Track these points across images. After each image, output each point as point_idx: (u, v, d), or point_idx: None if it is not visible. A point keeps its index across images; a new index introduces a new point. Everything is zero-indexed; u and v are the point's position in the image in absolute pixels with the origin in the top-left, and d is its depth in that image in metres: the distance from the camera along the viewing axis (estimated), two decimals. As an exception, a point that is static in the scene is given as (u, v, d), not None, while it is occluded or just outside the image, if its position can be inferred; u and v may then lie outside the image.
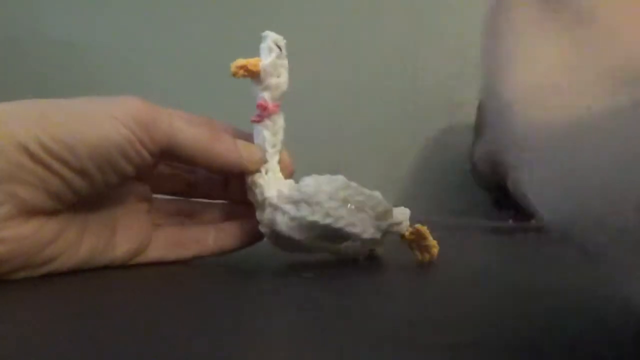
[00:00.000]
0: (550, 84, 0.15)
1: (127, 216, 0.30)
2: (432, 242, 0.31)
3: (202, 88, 0.74)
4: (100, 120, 0.25)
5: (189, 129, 0.28)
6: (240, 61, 0.29)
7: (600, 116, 0.13)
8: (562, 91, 0.15)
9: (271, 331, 0.18)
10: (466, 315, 0.20)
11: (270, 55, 0.30)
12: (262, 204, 0.30)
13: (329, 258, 0.31)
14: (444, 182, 0.81)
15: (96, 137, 0.25)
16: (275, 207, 0.29)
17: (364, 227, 0.30)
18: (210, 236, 0.32)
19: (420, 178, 0.82)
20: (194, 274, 0.30)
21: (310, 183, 0.29)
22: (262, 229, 0.30)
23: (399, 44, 0.81)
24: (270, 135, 0.30)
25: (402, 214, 0.32)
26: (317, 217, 0.28)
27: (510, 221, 0.63)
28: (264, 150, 0.30)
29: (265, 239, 0.31)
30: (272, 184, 0.30)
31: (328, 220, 0.29)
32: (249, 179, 0.30)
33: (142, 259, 0.30)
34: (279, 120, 0.31)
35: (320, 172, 0.31)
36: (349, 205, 0.29)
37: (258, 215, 0.30)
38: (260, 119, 0.30)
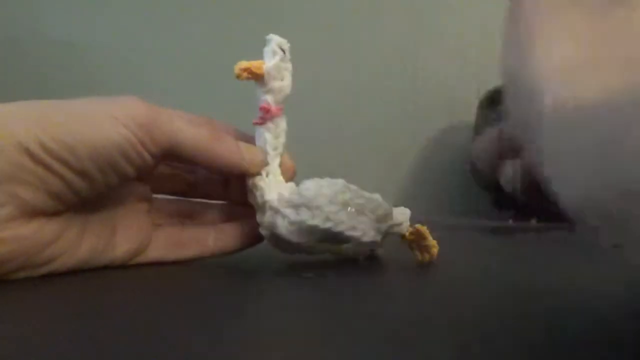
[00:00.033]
0: (584, 61, 0.15)
1: (127, 216, 0.30)
2: (432, 242, 0.31)
3: (202, 88, 0.74)
4: (101, 121, 0.25)
5: (189, 129, 0.28)
6: (244, 63, 0.29)
7: (634, 95, 0.13)
8: (596, 69, 0.14)
9: (271, 331, 0.18)
10: (466, 316, 0.20)
11: (274, 58, 0.30)
12: (263, 207, 0.30)
13: (328, 258, 0.31)
14: (444, 182, 0.81)
15: (97, 138, 0.25)
16: (276, 211, 0.29)
17: (364, 230, 0.30)
18: (210, 237, 0.32)
19: (420, 178, 0.82)
20: (194, 274, 0.30)
21: (311, 187, 0.29)
22: (263, 231, 0.30)
23: (399, 44, 0.81)
24: (272, 138, 0.30)
25: (402, 215, 0.32)
26: (317, 221, 0.29)
27: (510, 221, 0.63)
28: (266, 153, 0.30)
29: (265, 240, 0.31)
30: (272, 187, 0.30)
31: (328, 224, 0.29)
32: (250, 181, 0.30)
33: (142, 259, 0.30)
34: (282, 123, 0.31)
35: (320, 172, 0.31)
36: (349, 208, 0.29)
37: (258, 217, 0.30)
38: (262, 122, 0.30)
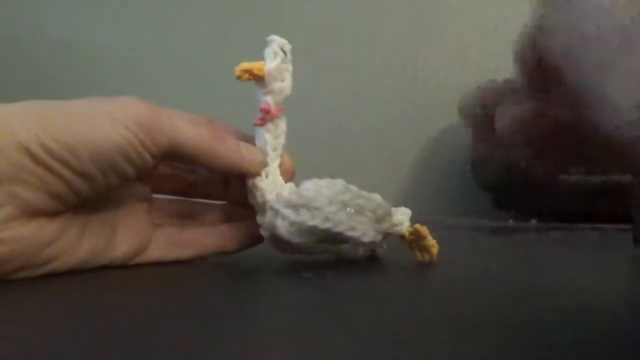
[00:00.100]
0: None
1: (127, 216, 0.30)
2: (431, 242, 0.31)
3: (202, 88, 0.74)
4: (101, 121, 0.25)
5: (190, 130, 0.28)
6: (245, 65, 0.29)
7: None
8: None
9: (271, 331, 0.18)
10: (466, 316, 0.20)
11: (276, 59, 0.30)
12: (263, 208, 0.30)
13: (328, 258, 0.31)
14: (444, 182, 0.81)
15: (97, 138, 0.25)
16: (276, 211, 0.29)
17: (363, 231, 0.30)
18: (210, 237, 0.32)
19: (420, 178, 0.82)
20: (194, 274, 0.30)
21: (310, 187, 0.29)
22: (263, 232, 0.30)
23: (399, 44, 0.81)
24: (272, 139, 0.30)
25: (402, 215, 0.32)
26: (316, 221, 0.29)
27: (510, 221, 0.63)
28: (266, 154, 0.30)
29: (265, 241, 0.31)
30: (272, 188, 0.30)
31: (327, 225, 0.29)
32: (250, 182, 0.30)
33: (142, 259, 0.30)
34: (282, 124, 0.31)
35: (320, 172, 0.31)
36: (348, 209, 0.29)
37: (258, 218, 0.30)
38: (262, 123, 0.30)
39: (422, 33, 0.82)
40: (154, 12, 0.79)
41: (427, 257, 0.31)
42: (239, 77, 0.29)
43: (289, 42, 0.31)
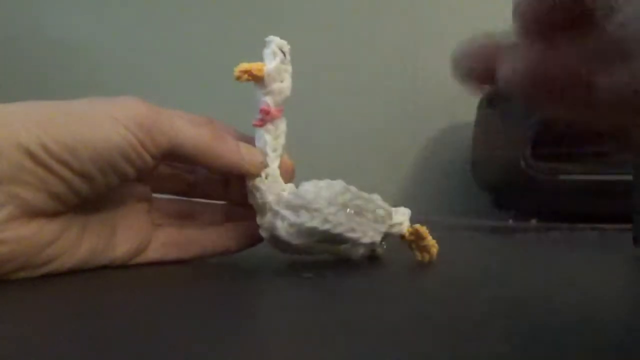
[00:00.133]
0: None
1: (127, 216, 0.30)
2: (431, 242, 0.31)
3: (202, 88, 0.74)
4: (102, 122, 0.25)
5: (190, 130, 0.28)
6: (244, 65, 0.29)
7: None
8: None
9: (271, 331, 0.18)
10: (466, 316, 0.20)
11: (275, 60, 0.30)
12: (263, 209, 0.30)
13: (328, 258, 0.31)
14: (444, 182, 0.81)
15: (98, 139, 0.25)
16: (275, 212, 0.29)
17: (363, 232, 0.30)
18: (210, 237, 0.32)
19: (420, 178, 0.82)
20: (194, 274, 0.30)
21: (310, 189, 0.29)
22: (262, 232, 0.30)
23: (399, 44, 0.81)
24: (272, 140, 0.30)
25: (402, 215, 0.32)
26: (316, 223, 0.29)
27: (510, 221, 0.63)
28: (265, 154, 0.30)
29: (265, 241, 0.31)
30: (272, 189, 0.30)
31: (327, 226, 0.29)
32: (250, 183, 0.30)
33: (142, 259, 0.30)
34: (281, 125, 0.31)
35: (320, 173, 0.31)
36: (347, 210, 0.30)
37: (258, 219, 0.30)
38: (262, 124, 0.30)
39: (422, 33, 0.82)
40: (154, 12, 0.79)
41: (427, 257, 0.31)
42: (238, 78, 0.29)
43: (289, 42, 0.31)
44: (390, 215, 0.31)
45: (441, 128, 0.82)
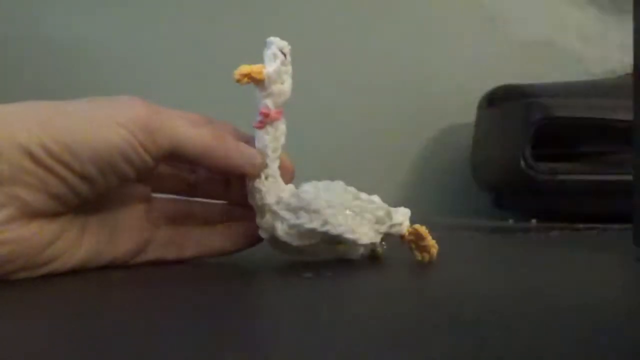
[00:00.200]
0: None
1: (126, 216, 0.30)
2: (431, 242, 0.31)
3: (202, 88, 0.74)
4: (102, 123, 0.25)
5: (190, 131, 0.27)
6: (244, 68, 0.29)
7: None
8: None
9: (271, 331, 0.18)
10: (466, 316, 0.20)
11: (275, 62, 0.29)
12: (262, 210, 0.30)
13: (328, 258, 0.31)
14: (444, 182, 0.81)
15: (98, 140, 0.25)
16: (275, 214, 0.29)
17: (363, 233, 0.30)
18: (210, 237, 0.32)
19: (420, 178, 0.82)
20: (194, 274, 0.30)
21: (309, 190, 0.29)
22: (262, 233, 0.30)
23: (399, 44, 0.81)
24: (272, 141, 0.30)
25: (402, 215, 0.32)
26: (315, 224, 0.29)
27: (511, 221, 0.63)
28: (265, 155, 0.30)
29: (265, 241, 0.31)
30: (272, 190, 0.30)
31: (326, 228, 0.29)
32: (250, 184, 0.30)
33: (142, 258, 0.30)
34: (281, 126, 0.31)
35: (320, 173, 0.31)
36: (347, 211, 0.30)
37: (258, 220, 0.30)
38: (262, 126, 0.30)
39: (423, 34, 0.82)
40: (154, 12, 0.79)
41: (427, 257, 0.31)
42: (238, 81, 0.29)
43: (290, 43, 0.30)
44: (390, 215, 0.31)
45: (441, 128, 0.82)
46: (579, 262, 0.34)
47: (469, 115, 0.73)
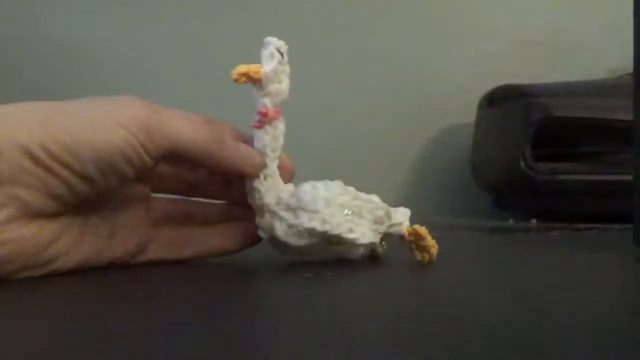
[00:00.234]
0: None
1: (126, 216, 0.30)
2: (431, 242, 0.31)
3: (202, 88, 0.74)
4: (103, 123, 0.25)
5: (190, 131, 0.27)
6: (242, 68, 0.29)
7: None
8: None
9: (271, 331, 0.18)
10: (466, 316, 0.20)
11: (272, 61, 0.30)
12: (261, 209, 0.30)
13: (328, 258, 0.31)
14: (444, 182, 0.81)
15: (98, 140, 0.25)
16: (274, 214, 0.29)
17: (362, 232, 0.30)
18: (209, 237, 0.32)
19: (421, 178, 0.82)
20: (194, 274, 0.30)
21: (308, 190, 0.29)
22: (261, 233, 0.30)
23: (399, 45, 0.81)
24: (271, 140, 0.30)
25: (402, 215, 0.32)
26: (314, 224, 0.29)
27: (511, 221, 0.63)
28: (264, 155, 0.30)
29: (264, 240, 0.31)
30: (271, 190, 0.30)
31: (325, 227, 0.29)
32: (249, 184, 0.30)
33: (141, 258, 0.30)
34: (280, 126, 0.31)
35: (320, 173, 0.31)
36: (346, 211, 0.30)
37: (257, 219, 0.30)
38: (260, 125, 0.30)
39: (423, 34, 0.82)
40: (154, 12, 0.79)
41: (427, 257, 0.31)
42: (236, 81, 0.29)
43: (287, 42, 0.30)
44: (389, 215, 0.31)
45: (441, 128, 0.82)
46: (579, 262, 0.34)
47: (469, 115, 0.73)
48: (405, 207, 0.32)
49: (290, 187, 0.31)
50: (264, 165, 0.30)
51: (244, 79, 0.29)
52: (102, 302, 0.23)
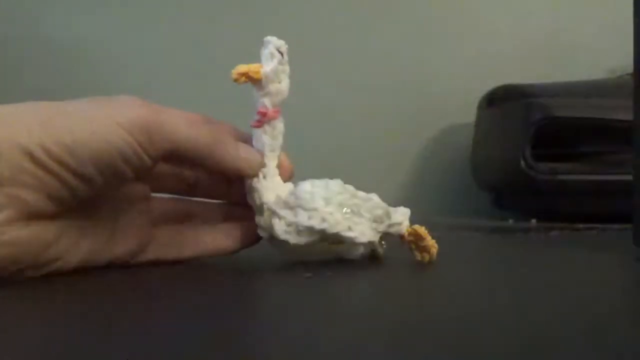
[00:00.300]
0: None
1: (126, 216, 0.30)
2: (430, 242, 0.31)
3: (202, 88, 0.74)
4: (102, 124, 0.25)
5: (189, 132, 0.27)
6: (242, 67, 0.29)
7: None
8: None
9: (271, 331, 0.18)
10: (466, 316, 0.20)
11: (272, 61, 0.30)
12: (261, 209, 0.30)
13: (328, 258, 0.31)
14: (444, 182, 0.81)
15: (98, 141, 0.25)
16: (273, 212, 0.29)
17: (361, 231, 0.30)
18: (209, 237, 0.32)
19: (421, 178, 0.82)
20: (193, 274, 0.30)
21: (307, 188, 0.30)
22: (261, 232, 0.30)
23: (399, 45, 0.81)
24: (270, 140, 0.30)
25: (402, 215, 0.32)
26: (313, 222, 0.29)
27: (511, 221, 0.63)
28: (263, 155, 0.30)
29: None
30: (270, 189, 0.30)
31: (324, 225, 0.29)
32: (248, 183, 0.30)
33: (141, 258, 0.30)
34: (279, 125, 0.31)
35: (320, 174, 0.31)
36: (345, 209, 0.30)
37: (257, 219, 0.30)
38: (260, 125, 0.30)
39: (423, 34, 0.82)
40: (154, 12, 0.79)
41: (426, 257, 0.31)
42: (235, 80, 0.29)
43: (288, 42, 0.30)
44: (388, 214, 0.31)
45: (441, 128, 0.82)
46: (579, 262, 0.34)
47: (469, 115, 0.73)
48: (405, 207, 0.32)
49: (289, 186, 0.31)
50: (263, 165, 0.30)
51: (243, 78, 0.29)
52: (102, 302, 0.23)
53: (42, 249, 0.26)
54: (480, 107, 0.72)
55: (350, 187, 0.31)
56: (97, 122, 0.25)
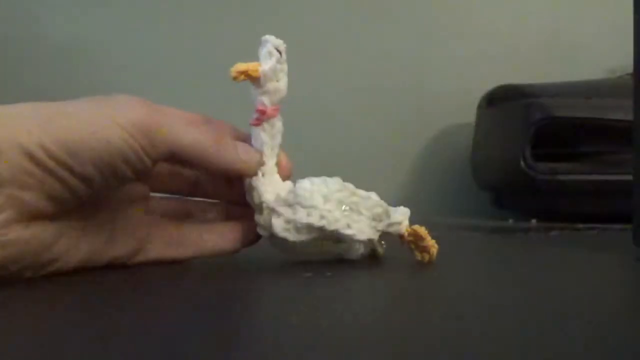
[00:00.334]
0: None
1: (125, 216, 0.30)
2: (430, 242, 0.31)
3: (202, 88, 0.74)
4: (103, 124, 0.25)
5: (189, 133, 0.27)
6: (241, 66, 0.29)
7: None
8: None
9: (270, 331, 0.18)
10: (466, 316, 0.20)
11: (271, 60, 0.30)
12: (260, 207, 0.30)
13: (328, 258, 0.31)
14: (444, 182, 0.81)
15: (98, 141, 0.25)
16: (272, 210, 0.29)
17: (359, 229, 0.30)
18: (209, 236, 0.32)
19: (421, 178, 0.82)
20: (193, 274, 0.30)
21: (306, 186, 0.30)
22: (260, 231, 0.30)
23: (400, 45, 0.81)
24: (269, 139, 0.30)
25: (402, 214, 0.32)
26: (312, 219, 0.29)
27: (511, 221, 0.63)
28: (262, 153, 0.30)
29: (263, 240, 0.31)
30: (269, 187, 0.30)
31: (323, 223, 0.29)
32: (247, 182, 0.30)
33: (141, 258, 0.30)
34: (278, 124, 0.31)
35: (320, 174, 0.31)
36: (343, 207, 0.30)
37: (256, 217, 0.30)
38: (258, 123, 0.30)
39: (424, 34, 0.82)
40: (154, 12, 0.79)
41: (426, 257, 0.31)
42: (234, 79, 0.29)
43: (288, 41, 0.31)
44: (387, 213, 0.31)
45: (441, 128, 0.82)
46: (579, 262, 0.34)
47: (469, 115, 0.73)
48: (405, 207, 0.32)
49: (288, 184, 0.31)
50: (262, 164, 0.30)
51: (242, 77, 0.29)
52: (102, 302, 0.23)
53: (42, 250, 0.26)
54: (480, 107, 0.72)
55: (350, 185, 0.31)
56: (97, 122, 0.25)
